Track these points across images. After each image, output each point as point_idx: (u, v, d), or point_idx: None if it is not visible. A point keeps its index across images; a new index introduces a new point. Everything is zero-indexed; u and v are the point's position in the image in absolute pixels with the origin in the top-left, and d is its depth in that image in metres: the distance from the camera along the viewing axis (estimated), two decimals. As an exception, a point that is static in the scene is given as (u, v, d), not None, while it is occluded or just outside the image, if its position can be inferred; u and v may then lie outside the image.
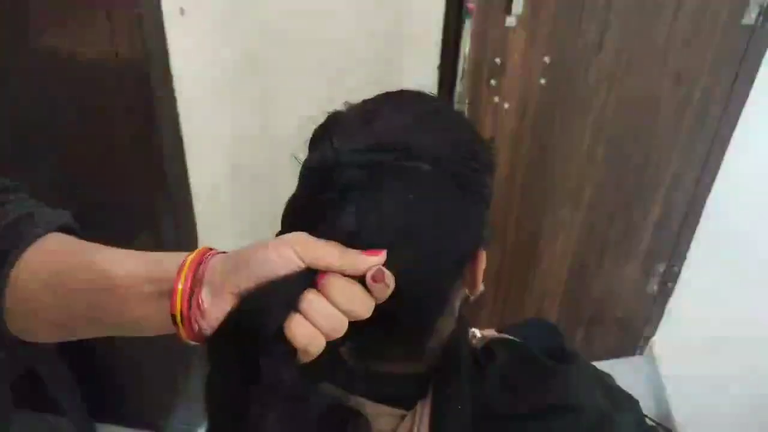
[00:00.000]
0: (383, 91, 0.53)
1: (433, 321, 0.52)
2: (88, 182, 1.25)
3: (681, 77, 1.40)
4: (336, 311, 0.41)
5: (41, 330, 0.50)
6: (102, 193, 1.26)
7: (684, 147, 1.51)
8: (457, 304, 0.54)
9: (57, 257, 0.49)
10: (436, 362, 0.54)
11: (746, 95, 1.44)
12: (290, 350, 0.40)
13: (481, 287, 0.55)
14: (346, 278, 0.42)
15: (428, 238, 0.46)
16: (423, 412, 0.52)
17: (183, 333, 0.43)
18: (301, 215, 0.47)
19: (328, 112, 0.51)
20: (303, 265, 0.41)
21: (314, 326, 0.40)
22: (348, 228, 0.43)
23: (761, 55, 1.39)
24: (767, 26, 1.35)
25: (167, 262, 0.44)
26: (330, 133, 0.47)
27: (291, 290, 0.41)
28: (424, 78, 1.31)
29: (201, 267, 0.43)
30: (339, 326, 0.41)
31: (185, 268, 0.43)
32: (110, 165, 1.25)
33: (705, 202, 1.61)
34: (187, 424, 1.63)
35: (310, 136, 0.51)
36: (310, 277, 0.41)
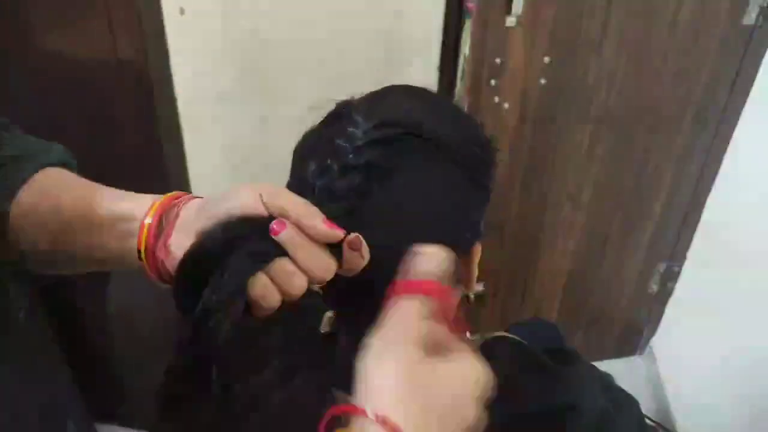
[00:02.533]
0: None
1: None
2: (88, 182, 1.25)
3: (681, 77, 1.40)
4: (294, 268, 0.41)
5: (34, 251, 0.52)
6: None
7: (684, 147, 1.51)
8: None
9: (47, 198, 0.51)
10: None
11: (746, 95, 1.44)
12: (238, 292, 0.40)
13: (477, 287, 0.55)
14: (303, 236, 0.41)
15: (433, 218, 0.47)
16: None
17: (148, 269, 0.44)
18: (308, 186, 0.47)
19: (332, 107, 0.51)
20: (264, 211, 0.41)
21: (271, 280, 0.40)
22: (358, 203, 0.44)
23: (761, 55, 1.39)
24: (767, 26, 1.35)
25: (143, 202, 0.46)
26: (345, 114, 0.48)
27: (245, 233, 0.40)
28: (424, 78, 1.31)
29: (176, 209, 0.45)
30: (296, 285, 0.41)
31: (154, 207, 0.44)
32: (110, 165, 1.25)
33: (705, 202, 1.61)
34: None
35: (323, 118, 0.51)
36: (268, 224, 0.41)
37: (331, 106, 0.51)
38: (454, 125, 0.50)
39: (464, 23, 1.24)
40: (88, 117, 1.20)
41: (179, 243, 0.42)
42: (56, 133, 1.25)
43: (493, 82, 1.30)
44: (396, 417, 0.34)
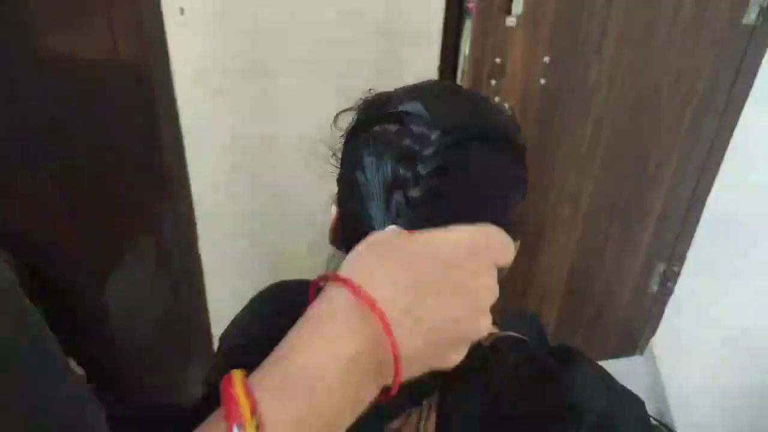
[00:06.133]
0: (386, 89, 0.53)
1: None
2: (88, 182, 1.24)
3: (681, 77, 1.40)
4: None
5: None
6: (102, 193, 1.26)
7: (684, 147, 1.51)
8: None
9: None
10: None
11: (746, 95, 1.44)
12: None
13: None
14: None
15: (496, 216, 0.47)
16: (429, 410, 0.52)
17: None
18: (369, 190, 0.46)
19: (360, 98, 0.51)
20: None
21: None
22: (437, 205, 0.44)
23: (761, 55, 1.39)
24: (767, 26, 1.35)
25: None
26: (398, 117, 0.47)
27: None
28: (424, 78, 1.31)
29: None
30: None
31: None
32: (110, 165, 1.25)
33: (705, 202, 1.61)
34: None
35: (342, 116, 0.51)
36: None
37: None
38: (506, 123, 0.51)
39: (464, 23, 1.24)
40: (88, 117, 1.20)
41: None
42: (56, 133, 1.25)
43: (493, 82, 1.30)
44: (362, 281, 0.33)
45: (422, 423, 0.51)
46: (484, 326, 0.37)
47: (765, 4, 1.32)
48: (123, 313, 1.44)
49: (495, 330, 0.70)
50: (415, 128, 0.45)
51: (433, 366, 0.36)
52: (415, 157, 0.44)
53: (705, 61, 1.39)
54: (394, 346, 0.33)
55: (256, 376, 0.33)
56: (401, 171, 0.44)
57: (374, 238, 0.38)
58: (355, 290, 0.33)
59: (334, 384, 0.32)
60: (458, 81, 1.31)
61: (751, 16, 1.34)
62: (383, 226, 0.43)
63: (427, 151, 0.44)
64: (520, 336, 0.63)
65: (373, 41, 1.28)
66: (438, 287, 0.35)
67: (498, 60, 1.28)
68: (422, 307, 0.34)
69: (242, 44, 1.23)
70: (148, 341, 1.52)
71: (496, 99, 1.32)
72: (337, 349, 0.33)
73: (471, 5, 1.22)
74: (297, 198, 1.35)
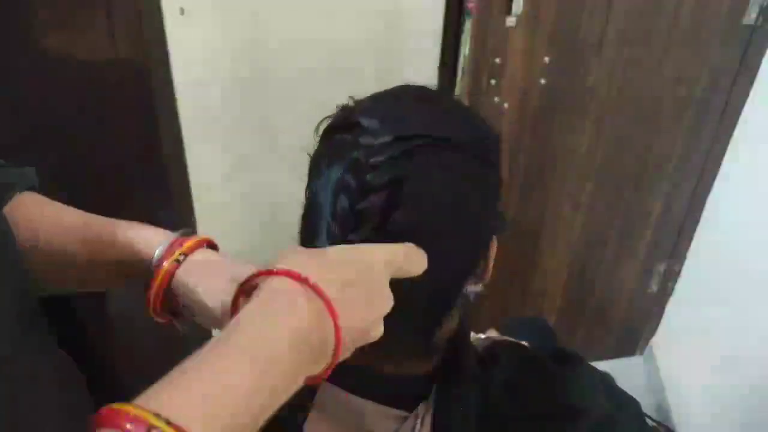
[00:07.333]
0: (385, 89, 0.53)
1: (448, 309, 0.52)
2: (87, 182, 1.24)
3: (681, 77, 1.40)
4: None
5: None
6: (102, 193, 1.26)
7: (684, 147, 1.51)
8: (463, 298, 0.54)
9: (42, 224, 0.54)
10: (439, 363, 0.54)
11: (746, 95, 1.44)
12: None
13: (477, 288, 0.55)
14: None
15: (457, 223, 0.47)
16: (425, 413, 0.52)
17: (151, 301, 0.52)
18: (323, 207, 0.47)
19: (338, 106, 0.51)
20: None
21: None
22: (384, 221, 0.44)
23: (761, 55, 1.39)
24: (767, 26, 1.35)
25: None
26: (355, 120, 0.47)
27: None
28: (424, 78, 1.31)
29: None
30: None
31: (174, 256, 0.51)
32: (110, 165, 1.25)
33: (705, 202, 1.61)
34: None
35: (325, 126, 0.51)
36: None
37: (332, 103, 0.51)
38: (468, 126, 0.50)
39: (464, 23, 1.24)
40: (87, 117, 1.20)
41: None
42: (56, 134, 1.25)
43: (493, 82, 1.30)
44: (299, 270, 0.37)
45: (418, 425, 0.51)
46: (385, 310, 0.42)
47: (765, 4, 1.32)
48: (122, 313, 1.44)
49: (493, 332, 0.70)
50: (365, 140, 0.45)
51: (362, 339, 0.41)
52: (363, 167, 0.44)
53: (705, 61, 1.39)
54: (334, 315, 0.37)
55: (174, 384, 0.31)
56: (348, 179, 0.45)
57: (294, 248, 0.42)
58: (295, 276, 0.37)
59: (282, 354, 0.34)
60: (458, 81, 1.31)
61: (751, 16, 1.34)
62: (325, 232, 0.46)
63: (375, 161, 0.44)
64: (518, 341, 0.64)
65: (374, 41, 1.28)
66: (356, 286, 0.40)
67: (498, 60, 1.28)
68: (347, 298, 0.38)
69: (242, 44, 1.23)
70: (147, 342, 1.52)
71: (496, 99, 1.33)
72: (287, 321, 0.35)
73: (471, 5, 1.22)
74: (298, 197, 1.35)
